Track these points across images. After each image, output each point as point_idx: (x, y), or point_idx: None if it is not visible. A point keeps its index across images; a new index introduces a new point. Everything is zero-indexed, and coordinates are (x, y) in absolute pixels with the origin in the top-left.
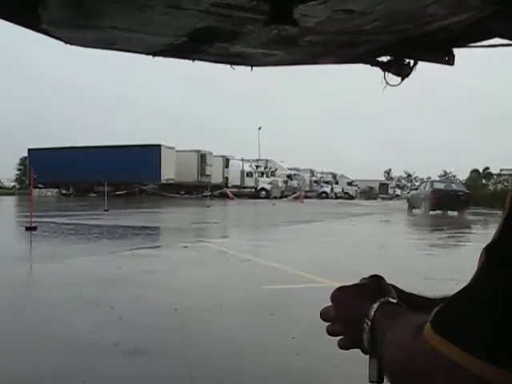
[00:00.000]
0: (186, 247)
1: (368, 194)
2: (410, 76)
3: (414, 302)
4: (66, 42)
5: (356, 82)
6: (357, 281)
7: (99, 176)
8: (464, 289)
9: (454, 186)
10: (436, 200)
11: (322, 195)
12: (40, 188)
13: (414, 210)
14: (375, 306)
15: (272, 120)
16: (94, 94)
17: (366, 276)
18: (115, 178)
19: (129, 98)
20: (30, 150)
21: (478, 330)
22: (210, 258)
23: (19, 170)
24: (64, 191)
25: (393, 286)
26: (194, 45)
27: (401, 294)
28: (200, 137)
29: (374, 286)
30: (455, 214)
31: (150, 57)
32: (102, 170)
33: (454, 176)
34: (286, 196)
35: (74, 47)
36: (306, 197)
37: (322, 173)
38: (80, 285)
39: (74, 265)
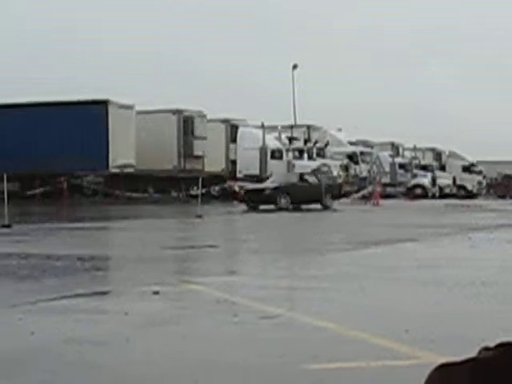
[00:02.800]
0: (156, 293)
1: (503, 187)
2: None
3: None
4: None
5: None
6: (474, 352)
7: None
8: None
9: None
10: None
11: (416, 192)
12: None
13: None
14: None
15: (316, 53)
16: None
17: (491, 344)
18: (25, 167)
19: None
20: None
21: None
22: (202, 313)
23: None
24: None
25: None
26: None
27: None
28: (181, 87)
29: (507, 362)
30: None
31: None
32: None
33: None
34: (346, 194)
35: None
36: (385, 195)
37: (415, 149)
38: None
39: None
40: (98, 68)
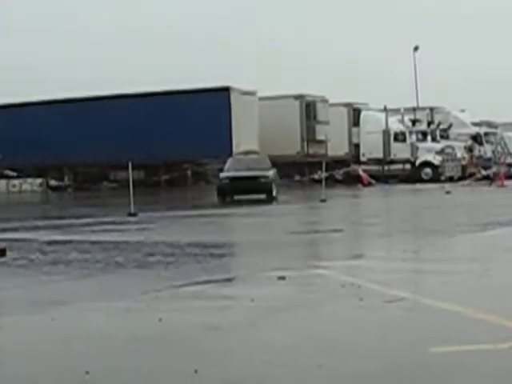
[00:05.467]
0: (282, 279)
1: None
2: None
3: None
4: None
5: None
6: None
7: (118, 152)
8: None
9: None
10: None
11: None
12: (9, 177)
13: None
14: None
15: (436, 34)
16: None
17: None
18: (147, 155)
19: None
20: None
21: None
22: (328, 297)
23: None
24: (54, 182)
25: None
26: None
27: None
28: (302, 73)
29: None
30: None
31: None
32: (122, 142)
33: None
34: (470, 175)
35: None
36: (510, 176)
37: None
38: (87, 357)
39: (76, 318)
40: (219, 56)
